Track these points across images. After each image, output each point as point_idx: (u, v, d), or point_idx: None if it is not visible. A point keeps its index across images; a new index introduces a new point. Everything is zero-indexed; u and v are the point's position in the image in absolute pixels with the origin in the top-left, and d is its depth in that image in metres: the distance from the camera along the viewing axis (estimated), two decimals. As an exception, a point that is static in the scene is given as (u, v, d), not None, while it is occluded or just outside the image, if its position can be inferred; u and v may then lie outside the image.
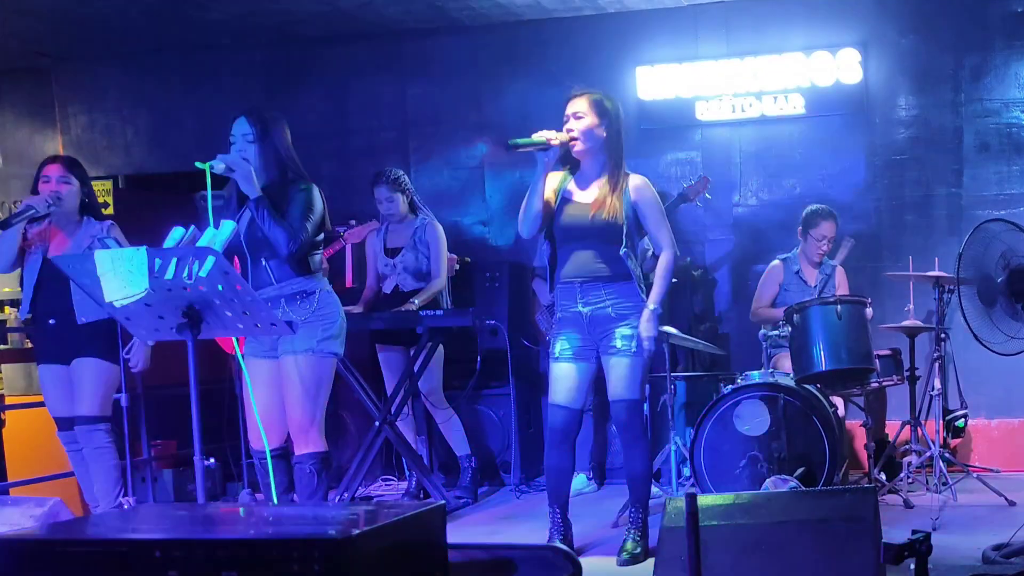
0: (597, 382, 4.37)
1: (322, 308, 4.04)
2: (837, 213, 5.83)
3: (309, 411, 4.03)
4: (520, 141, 4.07)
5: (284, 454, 4.20)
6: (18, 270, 4.91)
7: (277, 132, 4.06)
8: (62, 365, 4.79)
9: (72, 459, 4.94)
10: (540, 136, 4.07)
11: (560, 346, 4.21)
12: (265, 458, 3.93)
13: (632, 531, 4.25)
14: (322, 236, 4.16)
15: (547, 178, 4.13)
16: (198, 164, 3.75)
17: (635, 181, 4.18)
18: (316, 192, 4.08)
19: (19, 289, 5.54)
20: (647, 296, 4.15)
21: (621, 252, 4.10)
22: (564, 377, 4.20)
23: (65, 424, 4.87)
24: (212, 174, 3.75)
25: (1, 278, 6.38)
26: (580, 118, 4.10)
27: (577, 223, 4.14)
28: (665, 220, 4.23)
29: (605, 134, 4.13)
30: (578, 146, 4.11)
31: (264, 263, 4.01)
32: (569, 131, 4.10)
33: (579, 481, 5.81)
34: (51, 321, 4.75)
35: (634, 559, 4.13)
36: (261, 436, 3.94)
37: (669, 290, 4.22)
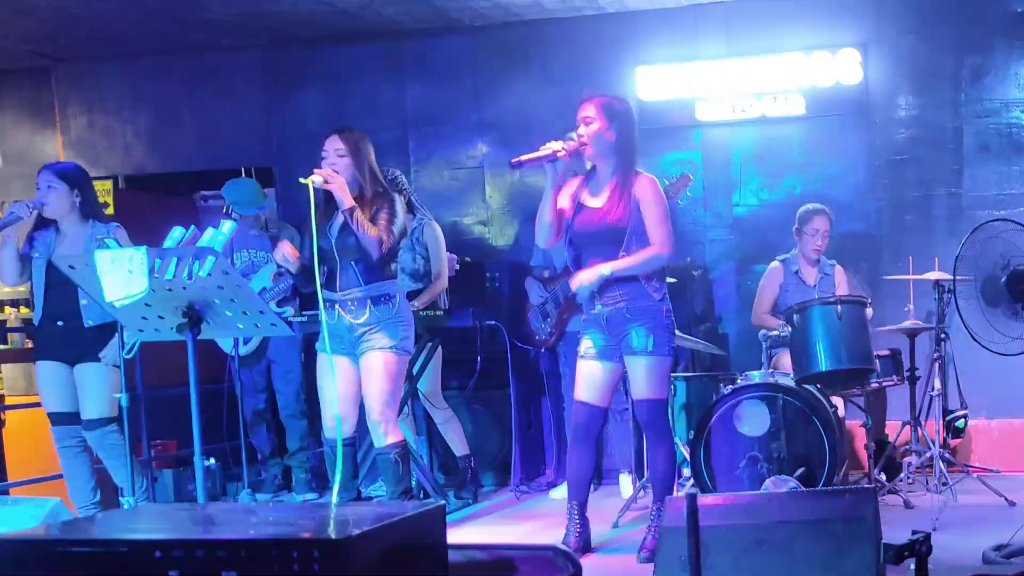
0: None
1: (402, 311, 4.45)
2: (835, 212, 5.84)
3: (391, 404, 4.44)
4: (524, 158, 4.08)
5: (352, 443, 4.55)
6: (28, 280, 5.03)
7: (364, 148, 4.43)
8: (64, 364, 4.87)
9: (62, 455, 4.99)
10: (547, 148, 4.09)
11: (585, 345, 4.26)
12: (335, 446, 4.36)
13: (653, 528, 4.25)
14: (400, 244, 4.53)
15: (560, 187, 4.17)
16: (301, 180, 4.19)
17: (640, 179, 4.17)
18: (399, 202, 4.45)
19: (20, 290, 5.54)
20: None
21: (620, 255, 4.11)
22: (588, 375, 4.24)
23: (60, 419, 4.93)
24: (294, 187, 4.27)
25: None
26: (589, 123, 4.11)
27: (587, 229, 4.18)
28: (666, 221, 4.17)
29: (615, 137, 4.14)
30: (588, 151, 4.13)
31: (353, 266, 4.37)
32: (579, 137, 4.10)
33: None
34: (59, 323, 4.85)
35: (653, 556, 4.12)
36: (334, 425, 4.36)
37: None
